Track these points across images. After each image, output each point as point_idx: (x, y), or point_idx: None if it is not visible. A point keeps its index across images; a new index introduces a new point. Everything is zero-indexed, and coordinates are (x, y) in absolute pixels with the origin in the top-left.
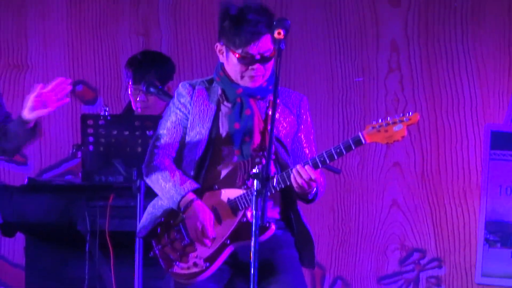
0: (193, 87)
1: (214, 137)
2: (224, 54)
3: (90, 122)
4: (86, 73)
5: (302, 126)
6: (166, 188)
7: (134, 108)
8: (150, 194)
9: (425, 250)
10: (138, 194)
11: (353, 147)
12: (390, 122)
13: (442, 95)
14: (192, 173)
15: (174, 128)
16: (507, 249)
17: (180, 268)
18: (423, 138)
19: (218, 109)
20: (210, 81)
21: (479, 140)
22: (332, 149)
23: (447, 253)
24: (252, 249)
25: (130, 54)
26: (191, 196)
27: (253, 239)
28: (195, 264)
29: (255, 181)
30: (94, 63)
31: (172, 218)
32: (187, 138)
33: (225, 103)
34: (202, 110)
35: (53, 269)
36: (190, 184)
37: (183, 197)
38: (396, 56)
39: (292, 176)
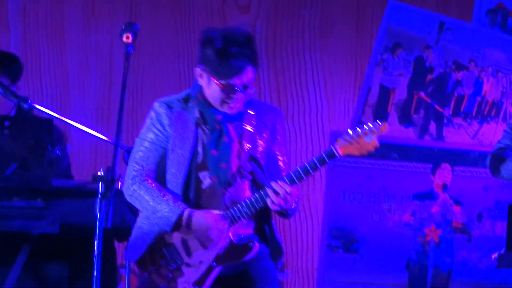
0: (170, 108)
1: (195, 160)
2: (205, 79)
3: None
4: None
5: (277, 140)
6: (158, 208)
7: None
8: None
9: None
10: None
11: (327, 161)
12: (361, 133)
13: (289, 102)
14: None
15: (154, 148)
16: (349, 255)
17: None
18: None
19: (196, 131)
20: (186, 99)
21: (324, 146)
22: (306, 164)
23: (289, 257)
24: (96, 251)
25: None
26: (188, 211)
27: (96, 241)
28: None
29: (99, 184)
30: None
31: (159, 244)
32: (169, 162)
33: (204, 126)
34: (182, 134)
35: None
36: (182, 203)
37: (180, 215)
38: None
39: (268, 198)
